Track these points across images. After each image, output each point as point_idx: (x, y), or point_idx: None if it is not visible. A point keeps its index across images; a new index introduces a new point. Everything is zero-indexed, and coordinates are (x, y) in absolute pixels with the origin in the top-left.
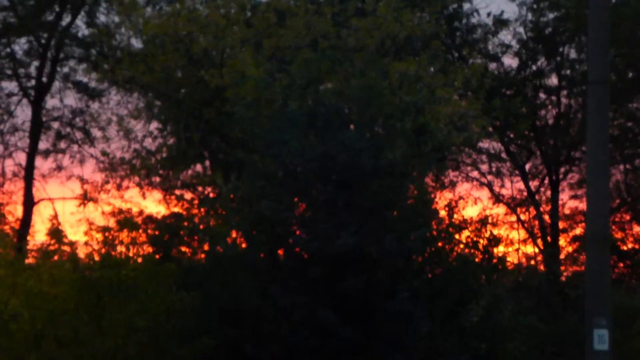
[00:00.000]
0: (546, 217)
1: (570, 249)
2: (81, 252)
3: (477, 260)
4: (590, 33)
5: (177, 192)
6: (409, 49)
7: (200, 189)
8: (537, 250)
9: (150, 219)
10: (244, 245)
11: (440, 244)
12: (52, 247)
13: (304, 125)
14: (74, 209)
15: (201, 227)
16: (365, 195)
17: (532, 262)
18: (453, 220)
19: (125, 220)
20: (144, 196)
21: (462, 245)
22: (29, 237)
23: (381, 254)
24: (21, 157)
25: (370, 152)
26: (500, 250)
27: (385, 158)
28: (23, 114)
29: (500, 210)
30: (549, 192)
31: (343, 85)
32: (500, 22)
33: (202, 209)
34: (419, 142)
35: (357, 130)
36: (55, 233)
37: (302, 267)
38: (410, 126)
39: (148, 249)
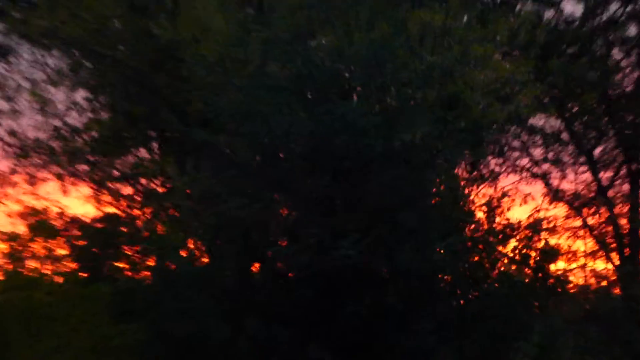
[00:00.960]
0: (623, 221)
1: None
2: None
3: (527, 280)
4: None
5: (113, 185)
6: None
7: (144, 181)
8: (610, 267)
9: (74, 222)
10: (205, 260)
11: (476, 258)
12: None
13: (290, 95)
14: None
15: (145, 234)
16: (373, 190)
17: (604, 283)
18: (494, 225)
19: (40, 225)
20: (65, 191)
21: (506, 260)
22: None
23: (394, 272)
24: None
25: (379, 132)
26: (559, 266)
27: (400, 139)
28: None
29: (559, 211)
30: (626, 187)
31: (343, 41)
32: None
33: (148, 210)
34: (448, 118)
35: (362, 101)
36: None
37: (286, 288)
38: (435, 96)
39: (71, 264)
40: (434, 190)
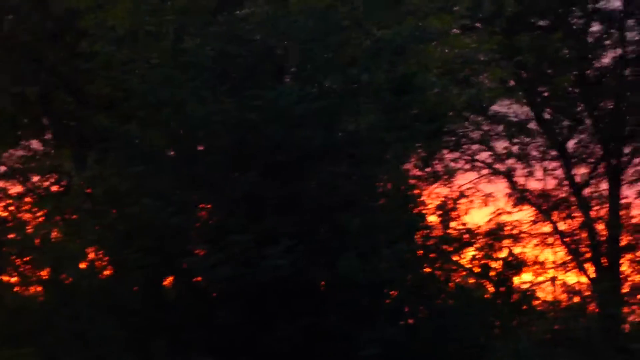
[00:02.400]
0: (600, 226)
1: (638, 278)
2: None
3: (487, 295)
4: None
5: None
6: None
7: (36, 178)
8: (584, 280)
9: None
10: (108, 272)
11: (428, 269)
12: None
13: (211, 76)
14: None
15: (37, 241)
16: (310, 188)
17: (577, 299)
18: (449, 231)
19: None
20: None
21: (463, 272)
22: None
23: (334, 286)
24: None
25: (318, 120)
26: (525, 279)
27: (342, 130)
28: None
29: (525, 215)
30: (604, 186)
31: (275, 11)
32: None
33: (39, 212)
34: (398, 104)
35: (298, 84)
36: None
37: (205, 307)
38: (383, 79)
39: None
40: (381, 189)
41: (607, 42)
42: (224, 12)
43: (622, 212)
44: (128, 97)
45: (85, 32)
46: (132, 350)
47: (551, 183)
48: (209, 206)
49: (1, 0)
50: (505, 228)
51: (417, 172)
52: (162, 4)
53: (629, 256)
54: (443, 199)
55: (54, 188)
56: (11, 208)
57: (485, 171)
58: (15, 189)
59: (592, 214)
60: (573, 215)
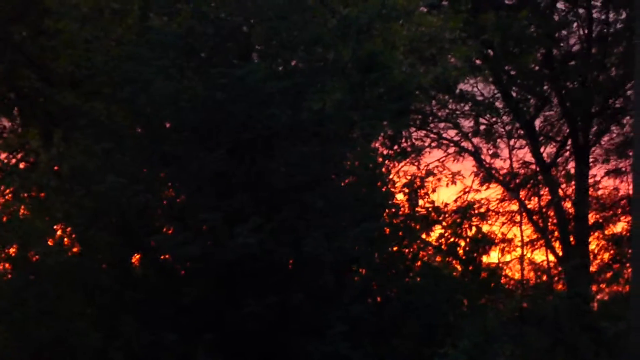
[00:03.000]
0: (567, 204)
1: (607, 256)
2: None
3: (455, 273)
4: None
5: None
6: None
7: (3, 155)
8: (552, 258)
9: None
10: (75, 250)
11: (396, 248)
12: None
13: (177, 54)
14: None
15: (4, 218)
16: (277, 167)
17: (545, 278)
18: (417, 209)
19: None
20: None
21: (431, 250)
22: None
23: (300, 264)
24: None
25: (284, 99)
26: (492, 258)
27: (308, 108)
28: None
29: (492, 193)
30: (572, 165)
31: None
32: None
33: (7, 190)
34: (364, 82)
35: (264, 62)
36: None
37: (172, 284)
38: (350, 57)
39: None
40: (348, 167)
41: (574, 20)
42: None
43: (590, 191)
44: (93, 75)
45: (49, 10)
46: (100, 327)
47: (518, 162)
48: (176, 184)
49: None
50: (473, 207)
51: (384, 151)
52: None
53: (596, 234)
54: (410, 177)
55: (21, 165)
56: None
57: (452, 149)
58: None
59: (560, 192)
60: (541, 193)
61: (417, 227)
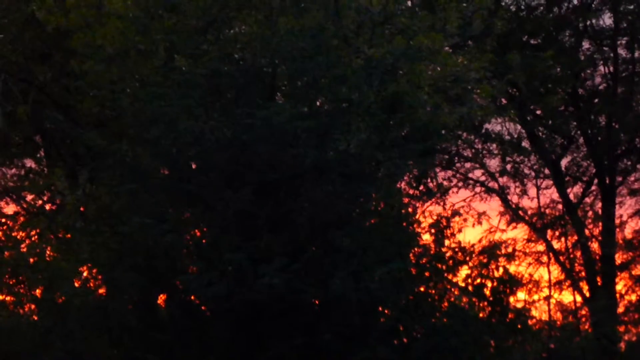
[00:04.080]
0: (594, 245)
1: (634, 297)
2: None
3: (482, 314)
4: None
5: None
6: None
7: (29, 197)
8: (579, 299)
9: None
10: (101, 291)
11: (422, 288)
12: None
13: (203, 95)
14: None
15: (31, 260)
16: (303, 207)
17: (572, 319)
18: (443, 249)
19: None
20: None
21: (457, 291)
22: None
23: (327, 305)
24: None
25: (309, 139)
26: (519, 299)
27: (333, 148)
28: None
29: (519, 234)
30: (599, 205)
31: (265, 29)
32: None
33: (34, 232)
34: (389, 122)
35: (289, 103)
36: None
37: (198, 325)
38: (374, 97)
39: None
40: (373, 207)
41: (599, 59)
42: (214, 31)
43: (617, 232)
44: (118, 116)
45: (74, 51)
46: None
47: (545, 202)
48: (202, 224)
49: (10, 10)
50: (500, 247)
51: (410, 190)
52: (152, 23)
53: (623, 275)
54: (436, 217)
55: (47, 206)
56: (5, 227)
57: (478, 189)
58: (9, 207)
59: (586, 232)
60: (567, 234)
61: (444, 267)
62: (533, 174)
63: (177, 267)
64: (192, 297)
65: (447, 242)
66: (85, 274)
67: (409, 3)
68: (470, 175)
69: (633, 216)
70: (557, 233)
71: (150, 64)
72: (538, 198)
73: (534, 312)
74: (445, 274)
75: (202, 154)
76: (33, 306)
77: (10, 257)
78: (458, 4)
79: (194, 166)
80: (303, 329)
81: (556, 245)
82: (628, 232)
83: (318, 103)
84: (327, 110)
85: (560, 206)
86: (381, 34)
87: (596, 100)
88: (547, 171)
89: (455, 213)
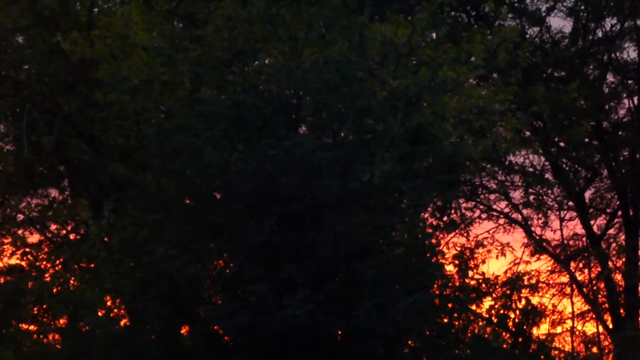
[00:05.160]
0: (617, 276)
1: None
2: None
3: (505, 345)
4: None
5: (16, 231)
6: (399, 1)
7: (54, 227)
8: (602, 330)
9: None
10: (124, 321)
11: (446, 319)
12: None
13: (227, 126)
14: None
15: (55, 290)
16: (326, 237)
17: (595, 350)
18: (467, 280)
19: None
20: None
21: (481, 322)
22: None
23: (350, 334)
24: None
25: (333, 170)
26: (543, 330)
27: (358, 179)
28: None
29: (543, 265)
30: (622, 237)
31: (290, 60)
32: None
33: (58, 261)
34: (413, 154)
35: (313, 134)
36: None
37: (220, 356)
38: (398, 129)
39: None
40: (397, 238)
41: (623, 93)
42: (239, 62)
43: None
44: (143, 146)
45: (99, 82)
46: None
47: (568, 233)
48: (225, 255)
49: (17, 51)
50: (523, 278)
51: (434, 221)
52: (177, 54)
53: None
54: (460, 248)
55: (72, 236)
56: (29, 257)
57: (502, 220)
58: (33, 237)
59: (610, 264)
60: (591, 265)
61: (467, 298)
62: (556, 205)
63: (201, 298)
64: (215, 328)
65: (470, 273)
66: (108, 303)
67: (434, 35)
68: (493, 206)
69: None
70: (580, 265)
71: (175, 95)
72: (561, 230)
73: (556, 344)
74: (469, 305)
75: (226, 185)
76: (57, 335)
77: (34, 287)
78: (483, 36)
79: (218, 197)
80: None
81: (580, 277)
82: None
83: (342, 134)
84: (351, 141)
85: (584, 238)
86: (406, 66)
87: (620, 132)
88: (570, 203)
89: (479, 244)
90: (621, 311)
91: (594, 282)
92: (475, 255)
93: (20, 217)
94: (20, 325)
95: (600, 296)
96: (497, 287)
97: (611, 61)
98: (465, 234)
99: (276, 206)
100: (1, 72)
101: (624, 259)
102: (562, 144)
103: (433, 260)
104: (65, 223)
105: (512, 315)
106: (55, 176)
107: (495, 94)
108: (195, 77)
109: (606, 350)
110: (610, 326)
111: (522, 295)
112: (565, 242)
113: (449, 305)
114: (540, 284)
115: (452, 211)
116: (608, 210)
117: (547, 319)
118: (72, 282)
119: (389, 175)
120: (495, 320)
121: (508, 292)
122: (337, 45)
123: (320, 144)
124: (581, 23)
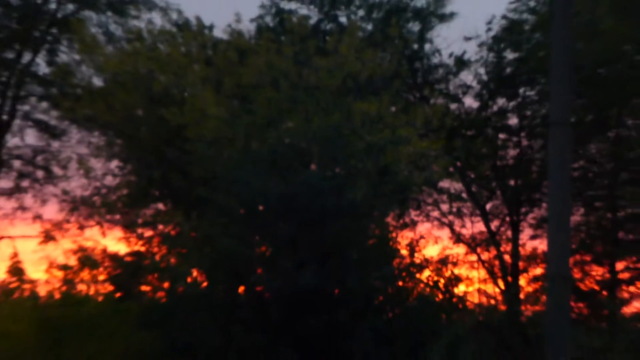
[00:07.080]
0: (506, 256)
1: (530, 288)
2: (42, 291)
3: (437, 299)
4: (552, 73)
5: (138, 230)
6: (371, 88)
7: (161, 227)
8: (497, 289)
9: (111, 257)
10: (204, 284)
11: (401, 284)
12: (12, 285)
13: (266, 164)
14: (35, 247)
15: (162, 265)
16: (327, 234)
17: (493, 302)
18: (414, 259)
19: (86, 258)
20: (104, 234)
21: (422, 285)
22: None
23: (343, 294)
24: None
25: (331, 192)
26: (460, 289)
27: (346, 198)
28: None
29: (460, 249)
30: (509, 232)
31: (304, 124)
32: (461, 63)
33: (163, 247)
34: (381, 182)
35: (319, 169)
36: (16, 271)
37: (263, 306)
38: (371, 166)
39: (108, 287)
40: (371, 234)
41: (509, 143)
42: (274, 125)
43: (519, 249)
44: (216, 177)
45: (188, 138)
46: (219, 334)
47: (476, 230)
48: (265, 244)
49: (137, 118)
50: (449, 258)
51: (394, 223)
52: (235, 120)
53: (524, 275)
54: (410, 239)
55: (172, 232)
56: (146, 245)
57: (436, 222)
58: (148, 233)
59: (502, 249)
60: (490, 250)
61: (414, 270)
62: (469, 213)
63: (251, 270)
64: (260, 289)
65: (416, 255)
66: (194, 274)
67: (393, 108)
68: (430, 214)
69: (529, 240)
70: (484, 249)
71: (234, 147)
72: (472, 228)
73: (469, 298)
74: (416, 275)
75: (265, 201)
76: (162, 293)
77: (149, 264)
78: (424, 109)
79: (260, 208)
80: (327, 310)
81: (483, 257)
82: (527, 249)
83: (337, 170)
84: (342, 174)
85: (486, 233)
86: (376, 128)
87: (507, 169)
88: (477, 212)
89: (421, 237)
90: (509, 278)
91: (492, 260)
92: (419, 244)
93: (140, 221)
94: (140, 288)
95: (496, 269)
96: (432, 263)
97: (502, 125)
98: (413, 231)
99: (296, 215)
100: (128, 132)
101: (510, 246)
102: (472, 176)
103: (393, 246)
104: (169, 224)
105: (442, 281)
106: (162, 196)
107: (431, 145)
108: (247, 135)
109: (500, 302)
110: (502, 287)
111: (448, 268)
112: (475, 235)
113: (403, 274)
114: (459, 261)
115: (405, 217)
116: (500, 216)
117: (463, 283)
118: (172, 261)
119: (366, 195)
120: (431, 284)
121: (439, 266)
122: (333, 115)
123: (323, 176)
124: (484, 102)
